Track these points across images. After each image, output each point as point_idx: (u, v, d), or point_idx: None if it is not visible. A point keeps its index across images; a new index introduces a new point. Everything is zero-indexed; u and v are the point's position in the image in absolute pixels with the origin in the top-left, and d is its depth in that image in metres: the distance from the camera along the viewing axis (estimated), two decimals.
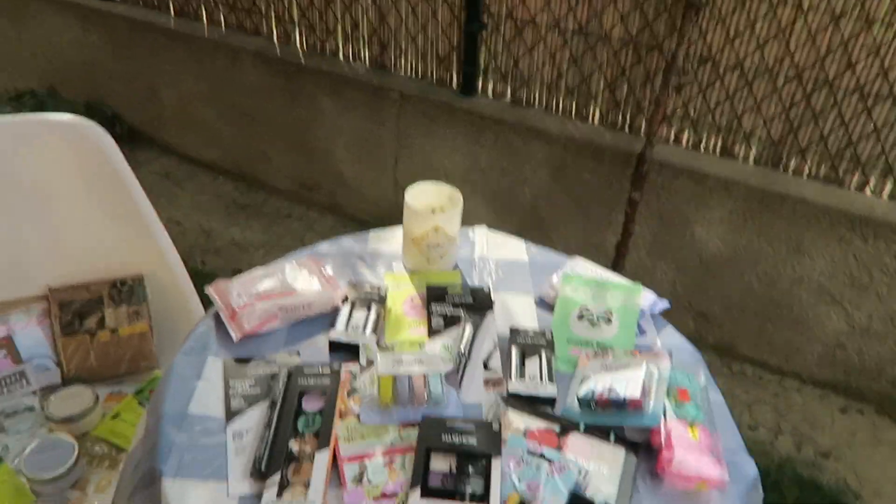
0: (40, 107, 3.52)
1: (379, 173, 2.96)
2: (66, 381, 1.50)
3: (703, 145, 2.36)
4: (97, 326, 1.50)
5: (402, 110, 2.78)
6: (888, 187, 2.14)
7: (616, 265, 2.49)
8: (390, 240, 1.39)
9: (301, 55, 2.94)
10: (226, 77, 3.14)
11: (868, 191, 2.18)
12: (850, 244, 2.16)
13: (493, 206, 2.71)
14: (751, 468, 1.02)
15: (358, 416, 1.00)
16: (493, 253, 1.39)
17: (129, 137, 3.56)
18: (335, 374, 1.03)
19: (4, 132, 1.44)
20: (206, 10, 3.17)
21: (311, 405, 0.99)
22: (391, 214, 2.93)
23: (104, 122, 3.53)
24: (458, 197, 1.28)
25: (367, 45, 2.85)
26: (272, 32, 3.05)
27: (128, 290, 1.52)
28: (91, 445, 1.39)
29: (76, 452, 1.33)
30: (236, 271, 1.31)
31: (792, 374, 2.45)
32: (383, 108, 2.81)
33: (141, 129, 3.60)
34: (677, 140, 2.39)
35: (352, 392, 1.03)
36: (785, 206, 2.20)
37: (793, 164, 2.25)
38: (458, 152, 2.73)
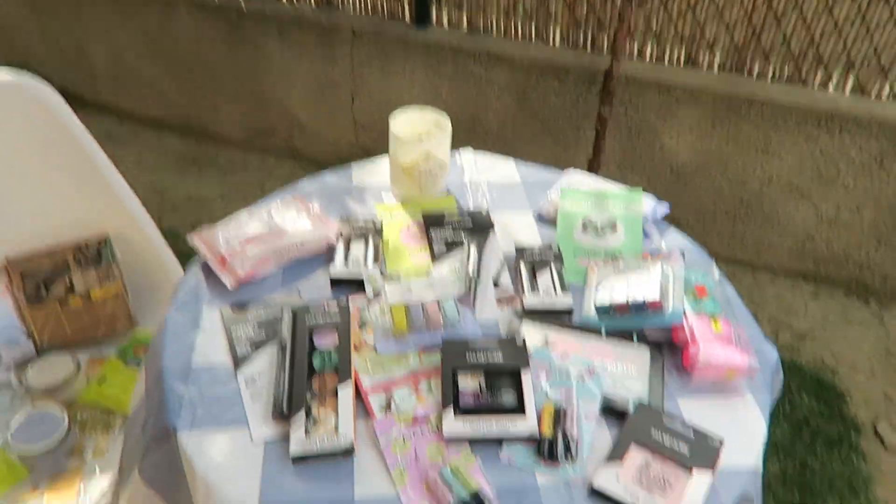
0: None
1: (336, 114, 2.85)
2: (42, 352, 1.41)
3: (667, 57, 2.33)
4: (66, 293, 1.41)
5: (354, 48, 2.65)
6: (850, 82, 2.15)
7: None
8: (375, 172, 1.32)
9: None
10: (161, 29, 2.94)
11: (831, 87, 2.19)
12: (816, 140, 2.18)
13: (458, 136, 2.64)
14: (771, 353, 1.02)
15: (375, 348, 0.96)
16: (484, 175, 1.34)
17: None
18: (344, 309, 0.98)
19: None
20: None
21: (323, 342, 0.94)
22: (351, 155, 2.83)
23: None
24: (446, 121, 1.22)
25: None
26: None
27: (94, 252, 1.42)
28: (81, 413, 1.32)
29: (65, 422, 1.26)
30: (197, 225, 1.25)
31: (764, 268, 2.50)
32: (335, 48, 2.68)
33: (73, 91, 3.36)
34: (640, 54, 2.35)
35: (363, 325, 0.99)
36: (752, 110, 2.20)
37: (757, 67, 2.24)
38: (418, 86, 2.63)
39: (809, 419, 1.90)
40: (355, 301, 1.02)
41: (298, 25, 2.68)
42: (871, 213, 2.24)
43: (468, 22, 2.54)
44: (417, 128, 1.22)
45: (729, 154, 2.32)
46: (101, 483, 1.23)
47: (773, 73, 2.23)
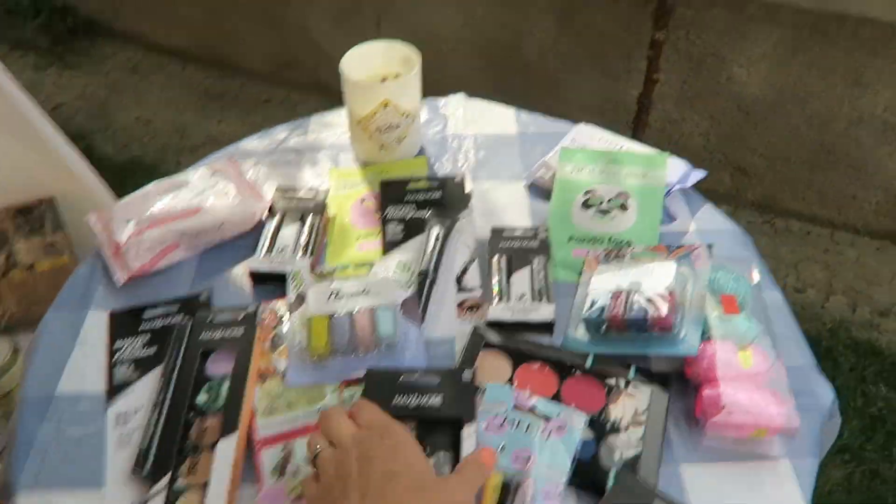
0: None
1: (361, 40, 2.57)
2: None
3: None
4: (6, 265, 1.25)
5: None
6: None
7: (638, 122, 2.13)
8: (338, 125, 1.07)
9: None
10: None
11: None
12: None
13: (493, 66, 2.33)
14: (825, 392, 0.75)
15: (283, 376, 0.74)
16: (472, 128, 1.06)
17: (85, 29, 3.19)
18: (249, 320, 0.76)
19: None
20: None
21: (217, 368, 0.73)
22: None
23: (55, 14, 3.17)
24: (415, 57, 0.95)
25: None
26: None
27: (36, 218, 1.25)
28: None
29: None
30: None
31: (845, 227, 2.14)
32: None
33: (98, 20, 3.21)
34: None
35: (277, 342, 0.77)
36: (843, 30, 1.79)
37: None
38: (449, 6, 2.32)
39: (886, 416, 1.60)
40: (275, 307, 0.80)
41: None
42: None
43: None
44: (378, 67, 0.96)
45: (811, 87, 1.92)
46: None
47: None
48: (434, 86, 2.49)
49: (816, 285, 2.02)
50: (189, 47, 3.07)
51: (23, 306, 1.26)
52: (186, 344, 0.75)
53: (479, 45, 2.31)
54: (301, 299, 0.79)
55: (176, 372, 0.73)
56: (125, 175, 2.47)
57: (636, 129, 2.18)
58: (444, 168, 1.00)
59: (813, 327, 1.89)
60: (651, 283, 0.76)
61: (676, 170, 0.93)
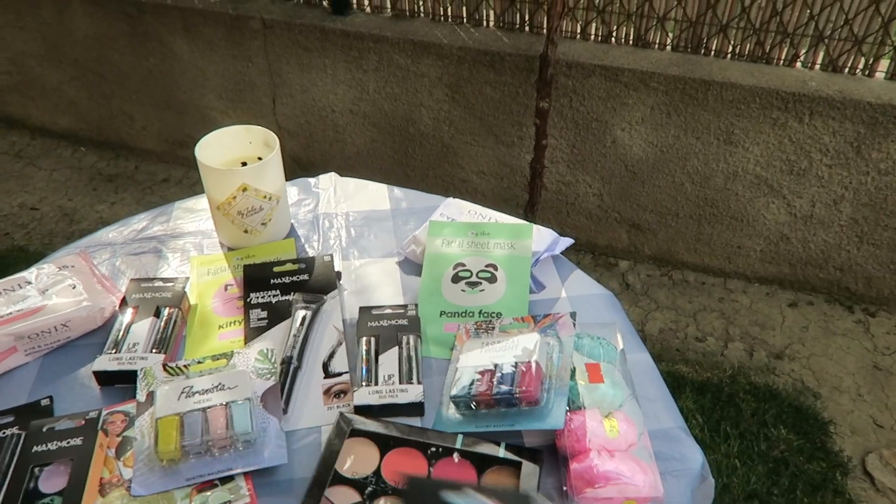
0: None
1: (258, 117, 2.56)
2: None
3: (613, 37, 2.04)
4: None
5: (268, 41, 2.36)
6: (820, 57, 1.86)
7: (534, 185, 2.19)
8: (202, 209, 1.04)
9: None
10: (58, 30, 2.64)
11: (799, 64, 1.90)
12: (784, 127, 1.90)
13: (391, 139, 2.36)
14: (695, 455, 0.74)
15: (129, 486, 0.68)
16: (344, 206, 1.05)
17: None
18: (91, 427, 0.70)
19: None
20: None
21: (50, 484, 0.66)
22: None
23: None
24: (273, 139, 0.93)
25: None
26: None
27: None
28: None
29: None
30: None
31: (736, 275, 2.24)
32: (245, 42, 2.39)
33: None
34: (584, 34, 2.06)
35: (125, 449, 0.71)
36: (710, 94, 1.91)
37: (714, 44, 1.95)
38: (341, 83, 2.34)
39: (788, 459, 1.63)
40: (123, 411, 0.74)
41: (204, 17, 2.39)
42: (849, 208, 1.96)
43: (392, 5, 2.25)
44: (236, 152, 0.94)
45: (688, 146, 2.03)
46: None
47: (733, 51, 1.94)
48: (333, 159, 2.50)
49: (715, 333, 2.09)
50: (79, 130, 2.97)
51: None
52: (17, 459, 0.68)
53: (375, 116, 2.33)
54: (151, 399, 0.73)
55: (3, 491, 0.65)
56: (7, 265, 2.32)
57: (532, 192, 2.23)
58: (314, 248, 0.97)
59: (714, 375, 1.94)
60: (517, 356, 0.75)
61: (544, 239, 0.94)
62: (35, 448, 0.68)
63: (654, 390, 0.79)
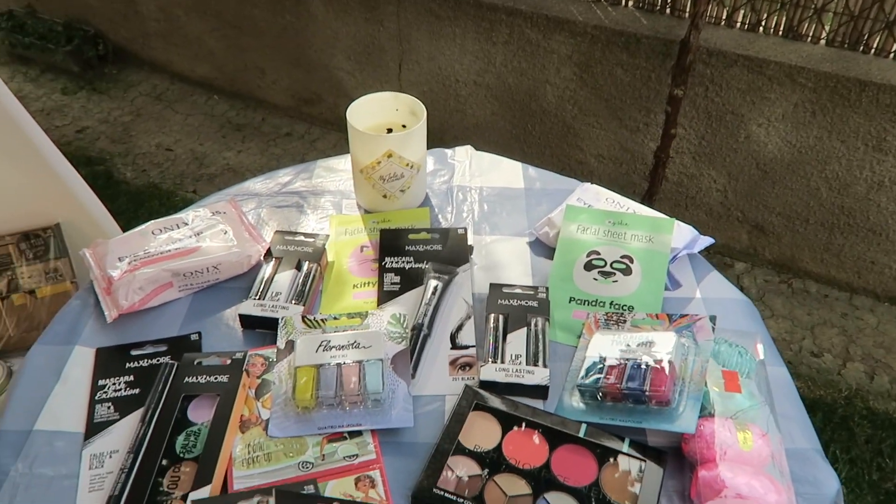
0: (20, 28, 3.22)
1: (383, 82, 2.60)
2: None
3: (762, 26, 1.92)
4: (8, 289, 1.25)
5: (401, 6, 2.38)
6: None
7: (655, 174, 2.12)
8: (342, 170, 1.07)
9: None
10: None
11: None
12: None
13: (511, 113, 2.34)
14: (830, 481, 0.71)
15: (266, 426, 0.72)
16: (478, 180, 1.05)
17: (115, 57, 3.26)
18: (236, 367, 0.75)
19: None
20: None
21: (198, 414, 0.71)
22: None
23: (86, 41, 3.25)
24: (420, 108, 0.94)
25: None
26: None
27: (41, 244, 1.26)
28: None
29: None
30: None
31: (864, 291, 2.09)
32: (380, 6, 2.42)
33: (127, 48, 3.28)
34: (730, 21, 1.96)
35: (262, 391, 0.75)
36: (864, 95, 1.78)
37: (876, 42, 1.80)
38: (468, 53, 2.34)
39: None
40: (264, 355, 0.79)
41: None
42: None
43: None
44: (385, 117, 0.96)
45: (830, 149, 1.90)
46: None
47: None
48: (452, 128, 2.51)
49: (833, 350, 1.97)
50: (214, 79, 3.12)
51: (21, 330, 1.25)
52: (169, 387, 0.73)
53: (498, 90, 2.32)
54: (290, 347, 0.77)
55: (156, 416, 0.71)
56: (141, 200, 2.50)
57: (653, 182, 2.16)
58: (447, 219, 0.99)
59: (828, 394, 1.84)
60: (651, 353, 0.73)
61: (683, 235, 0.91)
62: (186, 379, 0.73)
63: (790, 408, 0.76)
